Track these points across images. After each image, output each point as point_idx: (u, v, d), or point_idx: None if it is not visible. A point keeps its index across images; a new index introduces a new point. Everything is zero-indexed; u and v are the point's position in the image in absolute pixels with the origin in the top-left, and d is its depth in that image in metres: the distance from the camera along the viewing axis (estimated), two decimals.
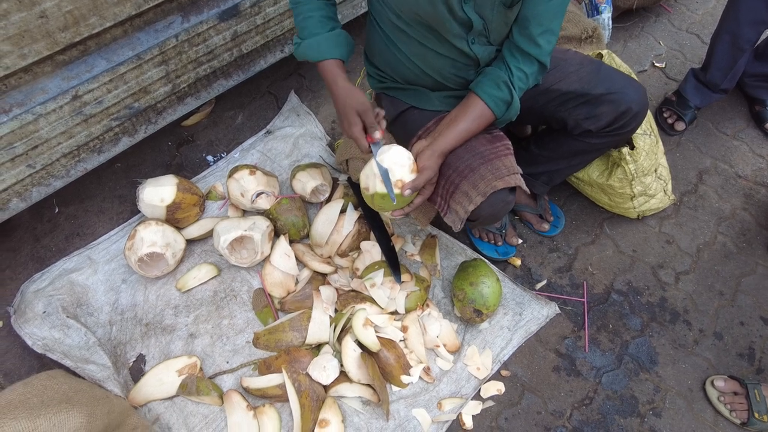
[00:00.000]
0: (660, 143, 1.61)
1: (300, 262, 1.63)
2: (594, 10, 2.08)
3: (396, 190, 1.16)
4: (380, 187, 1.16)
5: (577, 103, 1.33)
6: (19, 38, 1.04)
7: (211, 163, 1.85)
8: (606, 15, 2.07)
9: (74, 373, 1.35)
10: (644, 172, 1.50)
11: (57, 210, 1.70)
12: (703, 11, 2.34)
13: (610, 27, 2.10)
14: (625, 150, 1.46)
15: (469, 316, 1.48)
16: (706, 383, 1.44)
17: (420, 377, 1.46)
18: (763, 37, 1.87)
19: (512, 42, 1.17)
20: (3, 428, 1.04)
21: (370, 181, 1.20)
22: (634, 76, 1.55)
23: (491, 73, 1.19)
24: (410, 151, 1.20)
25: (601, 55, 1.60)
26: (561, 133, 1.45)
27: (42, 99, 1.17)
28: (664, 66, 2.17)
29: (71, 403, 1.17)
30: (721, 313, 1.57)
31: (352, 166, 1.68)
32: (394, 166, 1.16)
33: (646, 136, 1.48)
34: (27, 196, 1.32)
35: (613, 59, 1.59)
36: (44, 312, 1.47)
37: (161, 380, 1.42)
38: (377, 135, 1.17)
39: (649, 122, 1.54)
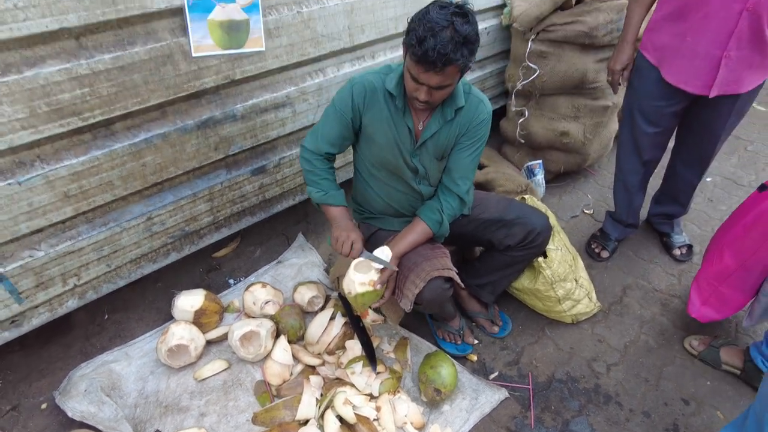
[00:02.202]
0: (578, 260, 2.09)
1: (295, 358, 2.00)
2: (531, 174, 2.76)
3: (370, 288, 1.63)
4: (360, 288, 1.63)
5: (497, 227, 1.86)
6: (126, 178, 1.66)
7: (232, 285, 2.34)
8: (539, 176, 2.74)
9: None
10: (561, 278, 1.95)
11: (106, 316, 2.15)
12: None
13: (544, 185, 2.76)
14: (540, 259, 1.94)
15: (431, 395, 1.79)
16: None
17: None
18: (657, 185, 2.48)
19: (442, 183, 1.77)
20: None
21: (350, 286, 1.66)
22: (549, 212, 2.10)
23: (429, 204, 1.77)
24: None
25: (524, 198, 2.19)
26: (493, 250, 1.95)
27: (128, 218, 1.74)
28: (592, 213, 2.76)
29: None
30: (647, 396, 1.85)
31: (342, 282, 2.16)
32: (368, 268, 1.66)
33: (558, 250, 1.97)
34: (99, 289, 1.81)
35: (534, 201, 2.17)
36: (85, 390, 1.81)
37: None
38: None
39: (563, 241, 2.04)
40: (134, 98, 1.56)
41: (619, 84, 2.06)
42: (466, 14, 1.37)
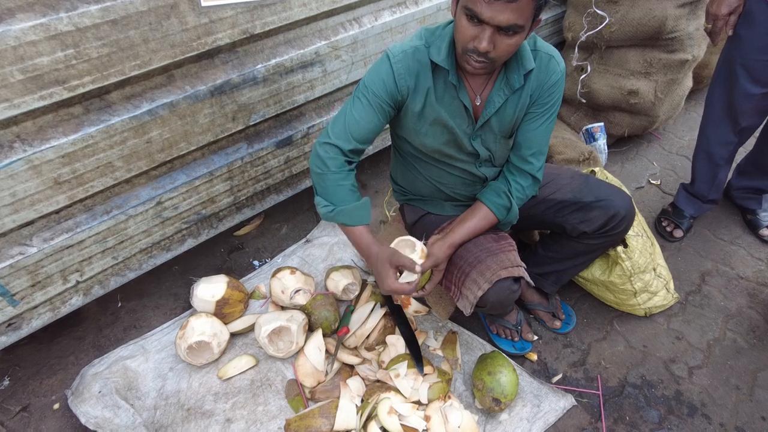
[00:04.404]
0: (656, 246, 1.79)
1: (330, 354, 1.78)
2: (591, 138, 2.42)
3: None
4: None
5: (572, 210, 1.55)
6: (129, 157, 1.39)
7: (257, 267, 2.10)
8: (601, 141, 2.39)
9: None
10: (641, 269, 1.66)
11: (120, 305, 1.94)
12: (689, 137, 2.66)
13: (606, 151, 2.42)
14: (620, 248, 1.65)
15: (489, 405, 1.56)
16: None
17: None
18: (742, 154, 2.13)
19: (510, 162, 1.45)
20: None
21: None
22: (623, 188, 1.79)
23: (493, 185, 1.46)
24: (426, 242, 1.43)
25: (594, 172, 1.86)
26: (562, 236, 1.65)
27: (134, 204, 1.48)
28: (659, 183, 2.42)
29: None
30: (740, 408, 1.60)
31: None
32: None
33: (639, 237, 1.67)
34: (106, 284, 1.58)
35: (605, 174, 1.85)
36: (99, 392, 1.62)
37: None
38: (417, 268, 1.31)
39: (641, 225, 1.74)
40: (132, 61, 1.26)
41: (721, 33, 1.68)
42: None
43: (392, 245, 1.40)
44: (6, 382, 1.71)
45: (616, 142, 2.58)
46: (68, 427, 1.61)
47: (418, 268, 1.32)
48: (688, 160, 2.53)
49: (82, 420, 1.54)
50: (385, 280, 1.31)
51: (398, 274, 1.35)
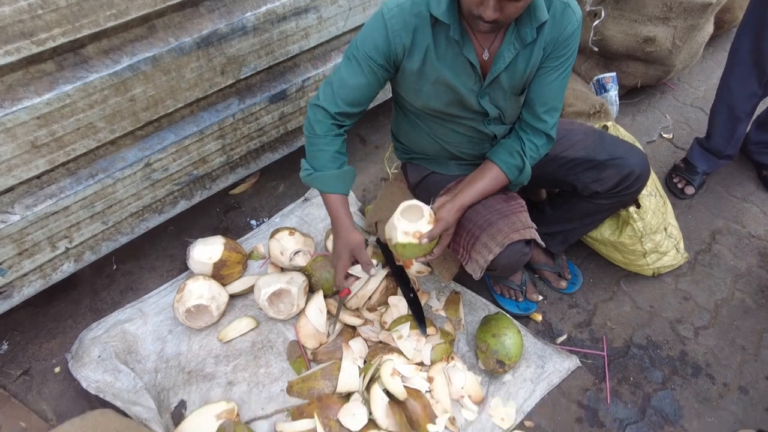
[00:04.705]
0: (668, 204, 1.73)
1: (332, 316, 1.75)
2: (602, 89, 2.29)
3: (414, 240, 1.31)
4: (401, 238, 1.31)
5: (584, 168, 1.48)
6: (111, 117, 1.29)
7: (254, 227, 2.04)
8: (613, 93, 2.27)
9: (123, 413, 1.47)
10: (653, 230, 1.61)
11: (115, 267, 1.90)
12: (705, 87, 2.53)
13: (618, 103, 2.30)
14: (632, 209, 1.59)
15: (493, 367, 1.54)
16: None
17: (446, 427, 1.50)
18: (762, 107, 2.03)
19: (522, 120, 1.36)
20: None
21: (392, 233, 1.35)
22: (638, 144, 1.70)
23: (505, 143, 1.37)
24: (434, 204, 1.37)
25: (606, 127, 1.77)
26: (572, 195, 1.58)
27: (121, 166, 1.40)
28: (671, 137, 2.32)
29: None
30: (744, 368, 1.59)
31: (381, 228, 1.84)
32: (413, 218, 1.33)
33: (652, 196, 1.60)
34: (97, 249, 1.52)
35: (618, 130, 1.75)
36: (99, 357, 1.61)
37: (200, 424, 1.50)
38: (372, 271, 1.38)
39: (654, 184, 1.66)
40: (107, 10, 1.14)
41: None
42: None
43: (398, 210, 1.34)
44: (5, 347, 1.69)
45: (628, 93, 2.46)
46: (71, 390, 1.61)
47: (372, 271, 1.38)
48: (702, 112, 2.42)
49: (84, 384, 1.53)
50: (337, 263, 1.39)
51: (353, 262, 1.40)
